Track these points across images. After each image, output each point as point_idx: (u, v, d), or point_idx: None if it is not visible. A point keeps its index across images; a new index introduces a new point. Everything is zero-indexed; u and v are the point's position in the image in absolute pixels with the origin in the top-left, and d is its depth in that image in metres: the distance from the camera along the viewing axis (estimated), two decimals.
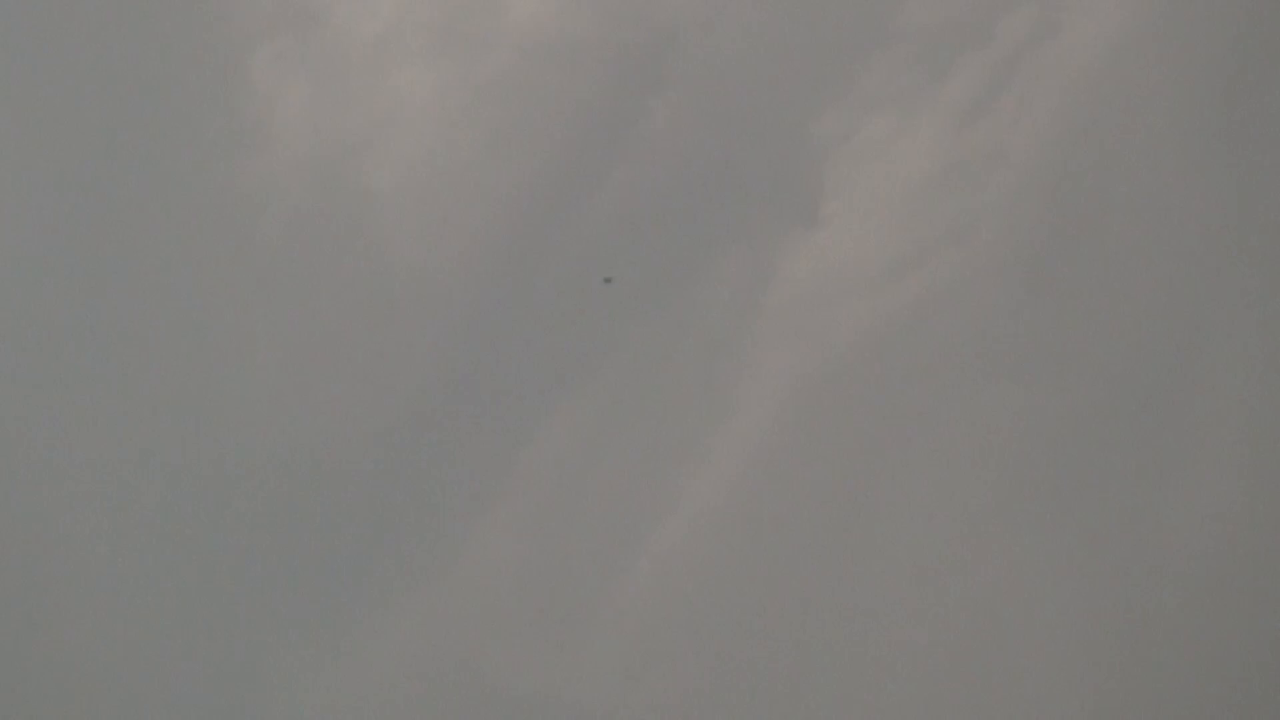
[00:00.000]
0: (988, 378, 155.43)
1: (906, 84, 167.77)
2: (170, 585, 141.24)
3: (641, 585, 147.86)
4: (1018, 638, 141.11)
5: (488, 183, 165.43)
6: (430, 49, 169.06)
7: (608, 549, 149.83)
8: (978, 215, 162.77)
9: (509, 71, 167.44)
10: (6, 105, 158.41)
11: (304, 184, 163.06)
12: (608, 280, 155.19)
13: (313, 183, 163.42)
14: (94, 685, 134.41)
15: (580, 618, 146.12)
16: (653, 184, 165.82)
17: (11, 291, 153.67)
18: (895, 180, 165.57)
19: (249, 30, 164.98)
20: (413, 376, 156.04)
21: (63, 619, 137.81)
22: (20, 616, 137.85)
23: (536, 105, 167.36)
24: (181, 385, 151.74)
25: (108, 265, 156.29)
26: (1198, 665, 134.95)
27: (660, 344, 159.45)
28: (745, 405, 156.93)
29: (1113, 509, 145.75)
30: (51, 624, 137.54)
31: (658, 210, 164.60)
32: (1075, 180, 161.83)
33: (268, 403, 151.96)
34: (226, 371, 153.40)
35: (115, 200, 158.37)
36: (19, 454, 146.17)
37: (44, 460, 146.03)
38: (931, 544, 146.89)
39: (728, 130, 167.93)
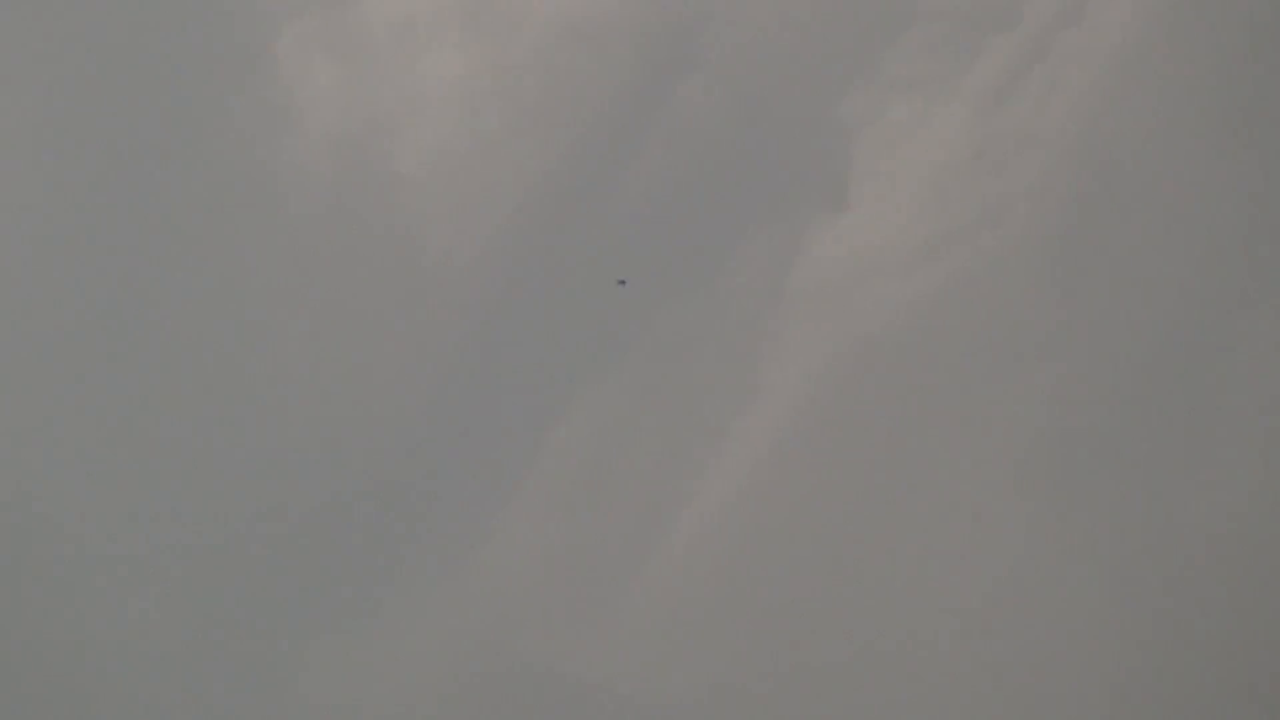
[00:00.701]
0: (1015, 361, 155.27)
1: (934, 67, 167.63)
2: (199, 575, 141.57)
3: (668, 569, 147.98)
4: (1043, 618, 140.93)
5: (515, 165, 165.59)
6: (458, 31, 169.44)
7: (634, 533, 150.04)
8: (1005, 199, 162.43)
9: (536, 54, 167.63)
10: (34, 89, 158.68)
11: (330, 165, 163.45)
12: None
13: (339, 164, 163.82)
14: (131, 677, 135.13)
15: (607, 601, 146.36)
16: (679, 167, 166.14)
17: (37, 276, 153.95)
18: (922, 163, 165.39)
19: (275, 11, 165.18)
20: (438, 360, 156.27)
21: (99, 614, 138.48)
22: (58, 615, 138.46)
23: (563, 88, 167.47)
24: (205, 370, 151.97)
25: (134, 247, 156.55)
26: (1219, 648, 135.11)
27: (686, 328, 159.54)
28: (770, 389, 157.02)
29: (1138, 490, 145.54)
30: (91, 619, 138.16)
31: (684, 193, 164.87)
32: (1103, 164, 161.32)
33: (292, 387, 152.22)
34: (250, 355, 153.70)
35: (141, 182, 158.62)
36: (42, 446, 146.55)
37: (67, 453, 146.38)
38: (957, 526, 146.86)
39: (754, 113, 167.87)
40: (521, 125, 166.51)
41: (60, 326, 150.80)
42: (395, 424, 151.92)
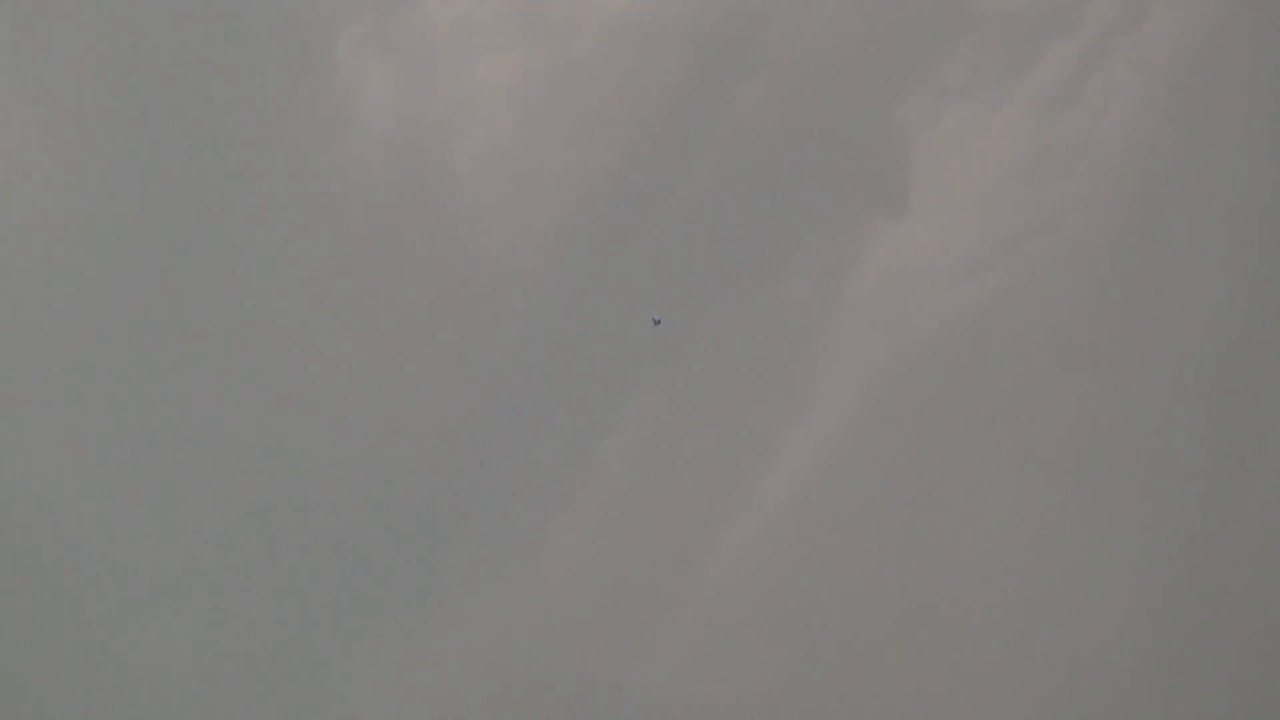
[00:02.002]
0: (1067, 369, 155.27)
1: (992, 72, 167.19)
2: (250, 581, 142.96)
3: (718, 578, 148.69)
4: (1091, 621, 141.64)
5: (571, 167, 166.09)
6: (514, 33, 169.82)
7: (684, 542, 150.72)
8: (1062, 206, 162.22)
9: (593, 56, 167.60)
10: (96, 85, 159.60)
11: (387, 166, 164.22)
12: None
13: (396, 165, 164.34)
14: (183, 681, 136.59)
15: (656, 610, 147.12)
16: (735, 172, 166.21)
17: (97, 268, 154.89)
18: (980, 170, 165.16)
19: (334, 13, 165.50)
20: (490, 365, 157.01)
21: (149, 617, 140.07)
22: (106, 617, 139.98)
23: (620, 90, 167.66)
24: (258, 370, 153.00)
25: (192, 245, 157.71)
26: (1268, 647, 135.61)
27: (740, 335, 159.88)
28: (824, 397, 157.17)
29: (1187, 497, 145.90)
30: (142, 622, 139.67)
31: (740, 200, 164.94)
32: (1160, 171, 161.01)
33: (342, 394, 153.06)
34: (301, 360, 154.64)
35: (200, 181, 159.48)
36: (89, 440, 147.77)
37: (115, 448, 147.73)
38: (1007, 534, 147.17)
39: (812, 117, 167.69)
40: (577, 129, 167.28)
41: (124, 326, 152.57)
42: (444, 432, 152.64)
